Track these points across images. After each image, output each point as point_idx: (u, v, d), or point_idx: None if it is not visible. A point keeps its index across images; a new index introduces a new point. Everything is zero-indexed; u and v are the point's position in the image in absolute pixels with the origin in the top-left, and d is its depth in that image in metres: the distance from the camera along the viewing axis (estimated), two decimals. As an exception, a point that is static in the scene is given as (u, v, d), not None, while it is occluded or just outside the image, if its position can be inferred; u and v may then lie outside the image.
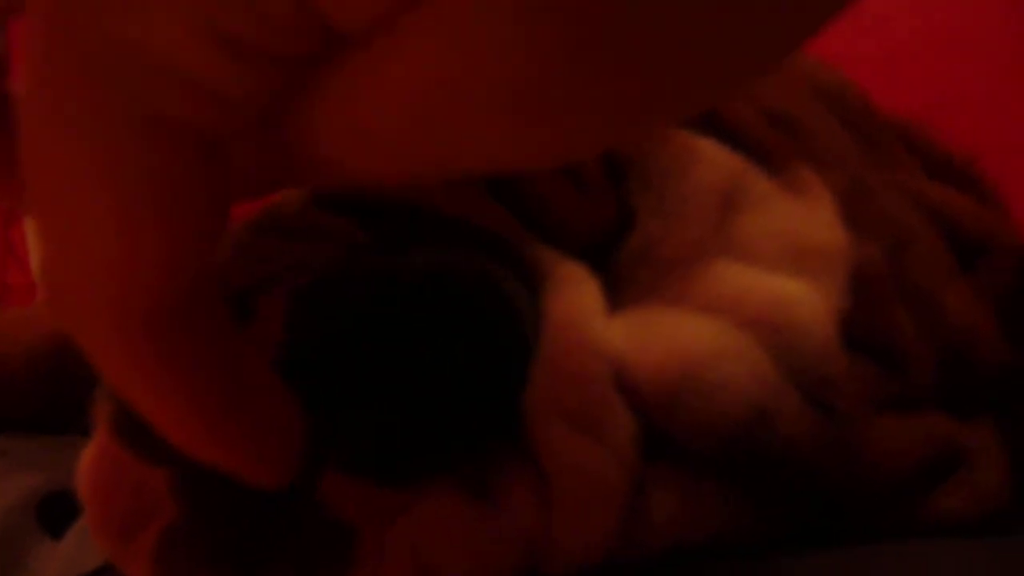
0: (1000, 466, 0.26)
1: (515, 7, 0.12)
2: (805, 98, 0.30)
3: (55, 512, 0.39)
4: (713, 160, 0.25)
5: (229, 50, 0.13)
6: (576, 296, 0.24)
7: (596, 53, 0.12)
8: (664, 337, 0.23)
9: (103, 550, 0.24)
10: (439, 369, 0.22)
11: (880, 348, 0.25)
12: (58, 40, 0.13)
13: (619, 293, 0.25)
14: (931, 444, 0.25)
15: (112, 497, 0.23)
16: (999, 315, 0.28)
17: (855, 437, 0.24)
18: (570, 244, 0.25)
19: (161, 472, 0.22)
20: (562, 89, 0.12)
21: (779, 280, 0.24)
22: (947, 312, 0.27)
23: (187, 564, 0.22)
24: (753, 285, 0.24)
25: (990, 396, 0.27)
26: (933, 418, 0.26)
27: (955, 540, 0.24)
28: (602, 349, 0.23)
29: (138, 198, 0.13)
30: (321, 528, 0.21)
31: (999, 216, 0.32)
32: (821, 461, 0.23)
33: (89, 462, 0.23)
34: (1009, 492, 0.26)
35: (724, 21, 0.12)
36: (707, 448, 0.23)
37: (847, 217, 0.26)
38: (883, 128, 0.32)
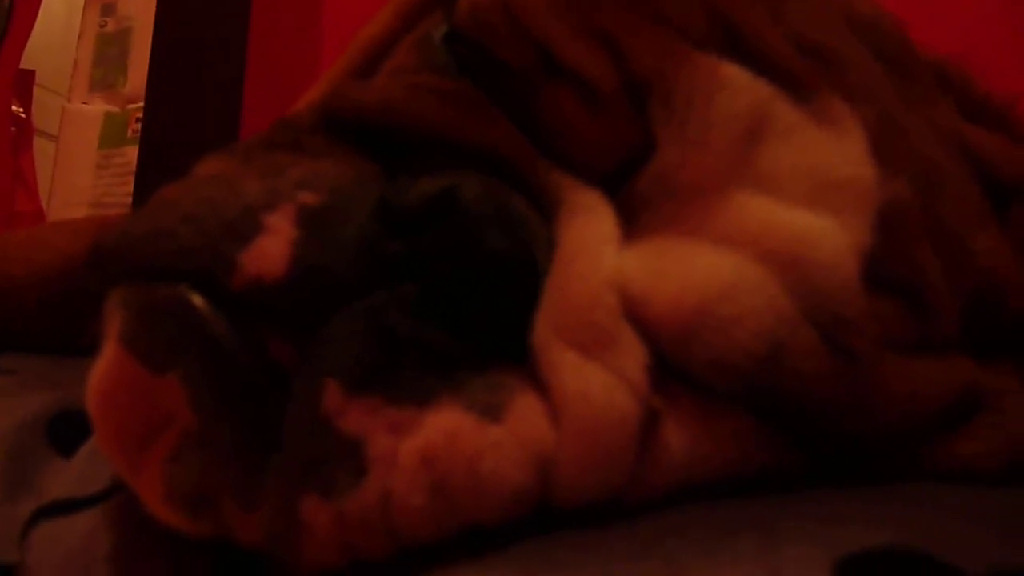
0: (1024, 412, 0.26)
1: None
2: (838, 28, 0.28)
3: (66, 431, 0.40)
4: (739, 87, 0.24)
5: None
6: (589, 223, 0.24)
7: None
8: (680, 269, 0.23)
9: (113, 463, 0.24)
10: (446, 290, 0.22)
11: (904, 288, 0.24)
12: None
13: (637, 222, 0.24)
14: (953, 387, 0.25)
15: (124, 408, 0.23)
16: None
17: (872, 377, 0.23)
18: (588, 169, 0.25)
19: (171, 379, 0.22)
20: None
21: (802, 215, 0.23)
22: (975, 255, 0.26)
23: (200, 466, 0.22)
24: (774, 219, 0.23)
25: (1016, 342, 0.26)
26: (956, 361, 0.25)
27: (974, 485, 0.24)
28: (613, 278, 0.23)
29: None
30: (327, 438, 0.21)
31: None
32: (836, 400, 0.23)
33: (99, 375, 0.23)
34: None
35: None
36: (721, 383, 0.22)
37: (877, 153, 0.25)
38: (919, 64, 0.31)
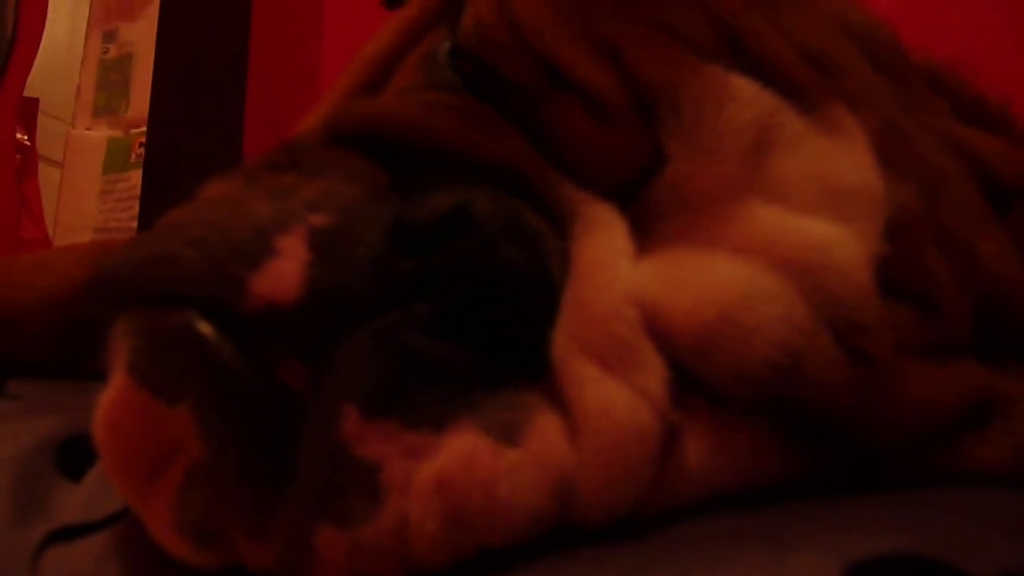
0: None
1: None
2: (836, 35, 0.28)
3: (74, 455, 0.40)
4: (747, 98, 0.24)
5: None
6: (604, 237, 0.24)
7: None
8: (697, 280, 0.23)
9: (122, 493, 0.24)
10: (460, 307, 0.22)
11: (915, 294, 0.24)
12: None
13: (650, 233, 0.24)
14: (966, 391, 0.24)
15: (132, 439, 0.22)
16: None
17: (888, 383, 0.23)
18: (598, 182, 0.24)
19: (181, 410, 0.22)
20: None
21: (814, 223, 0.23)
22: (981, 259, 0.26)
23: (209, 498, 0.22)
24: (787, 228, 0.23)
25: (1025, 345, 0.26)
26: (968, 366, 0.25)
27: (983, 489, 0.24)
28: (630, 291, 0.23)
29: None
30: (344, 465, 0.21)
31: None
32: (853, 406, 0.23)
33: (107, 406, 0.23)
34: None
35: None
36: (740, 392, 0.22)
37: (881, 159, 0.25)
38: (912, 69, 0.31)
